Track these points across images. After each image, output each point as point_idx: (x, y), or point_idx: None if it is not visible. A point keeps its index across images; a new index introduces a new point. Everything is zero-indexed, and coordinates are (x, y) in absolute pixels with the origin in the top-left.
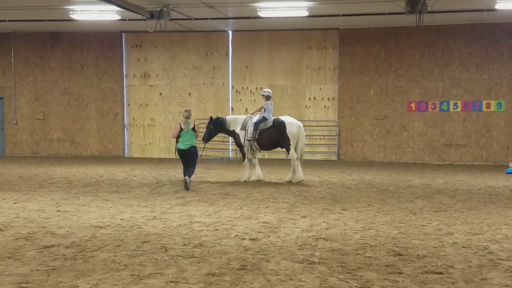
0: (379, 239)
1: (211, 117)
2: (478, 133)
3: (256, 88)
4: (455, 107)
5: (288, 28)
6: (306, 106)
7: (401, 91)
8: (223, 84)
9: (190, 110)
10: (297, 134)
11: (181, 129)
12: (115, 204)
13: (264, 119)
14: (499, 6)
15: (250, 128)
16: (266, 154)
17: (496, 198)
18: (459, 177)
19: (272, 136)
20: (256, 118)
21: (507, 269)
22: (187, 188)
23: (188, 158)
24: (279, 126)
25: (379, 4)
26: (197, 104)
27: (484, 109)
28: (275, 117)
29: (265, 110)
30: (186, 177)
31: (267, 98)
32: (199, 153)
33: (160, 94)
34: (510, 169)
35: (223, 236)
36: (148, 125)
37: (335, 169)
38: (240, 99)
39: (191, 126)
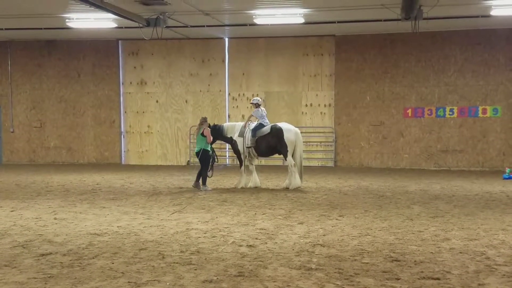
0: (376, 245)
1: (209, 124)
2: (475, 139)
3: (253, 94)
4: (451, 113)
5: (284, 35)
6: (302, 112)
7: (397, 97)
8: (220, 91)
9: (204, 117)
10: (295, 141)
11: None
12: (112, 212)
13: (261, 126)
14: (494, 12)
15: (248, 135)
16: (263, 161)
17: (493, 204)
18: (456, 183)
19: (270, 143)
20: (253, 124)
21: (504, 275)
22: (197, 187)
23: (200, 161)
24: (277, 133)
25: (375, 11)
26: (193, 111)
27: (480, 114)
28: (273, 124)
29: (255, 119)
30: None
31: (256, 106)
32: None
33: (157, 101)
34: (507, 174)
35: (220, 243)
36: (145, 132)
37: (332, 175)
38: (237, 106)
39: (200, 132)
